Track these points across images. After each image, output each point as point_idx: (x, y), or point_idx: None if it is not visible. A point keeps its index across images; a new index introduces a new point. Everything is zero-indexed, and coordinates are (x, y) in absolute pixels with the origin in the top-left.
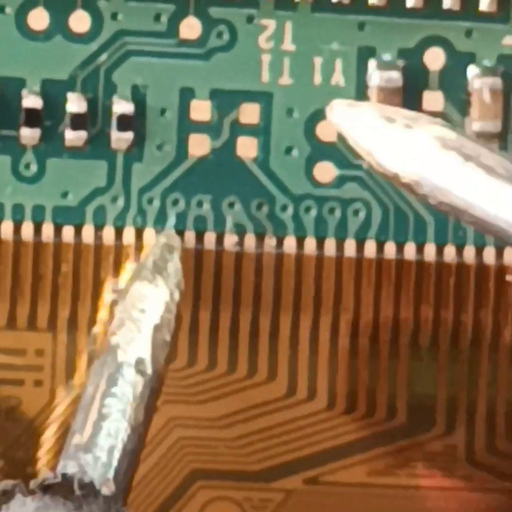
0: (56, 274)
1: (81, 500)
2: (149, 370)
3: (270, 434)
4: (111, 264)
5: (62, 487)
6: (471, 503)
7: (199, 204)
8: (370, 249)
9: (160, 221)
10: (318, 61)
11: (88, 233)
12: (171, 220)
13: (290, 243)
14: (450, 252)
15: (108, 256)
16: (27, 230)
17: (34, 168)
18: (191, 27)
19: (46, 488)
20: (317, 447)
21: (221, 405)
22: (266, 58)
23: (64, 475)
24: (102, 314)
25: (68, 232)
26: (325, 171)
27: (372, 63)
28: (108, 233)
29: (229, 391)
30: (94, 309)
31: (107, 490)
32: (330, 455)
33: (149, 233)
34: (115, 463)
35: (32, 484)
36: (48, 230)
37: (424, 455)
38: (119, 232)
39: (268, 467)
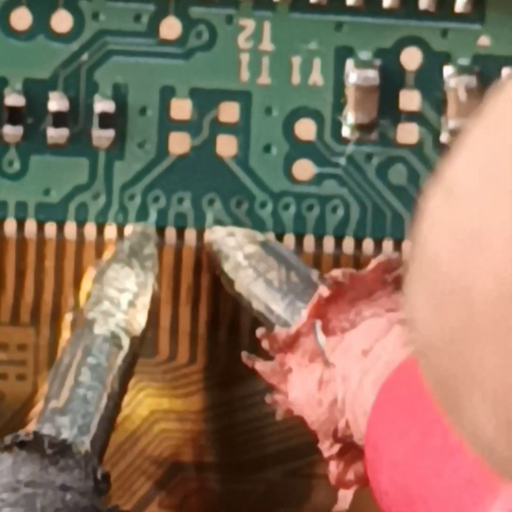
0: (38, 270)
1: (57, 455)
2: (124, 344)
3: (251, 427)
4: (93, 259)
5: (37, 444)
6: None
7: (180, 201)
8: (348, 245)
9: (141, 218)
10: (296, 60)
11: (70, 230)
12: (152, 216)
13: (269, 240)
14: None
15: (90, 252)
16: (10, 226)
17: (17, 165)
18: (171, 27)
19: (21, 445)
20: (297, 440)
21: (203, 398)
22: (245, 58)
23: (36, 433)
24: (85, 287)
25: (50, 229)
26: (304, 168)
27: (349, 63)
28: (90, 230)
29: (210, 385)
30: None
31: (81, 447)
32: (310, 448)
33: (130, 229)
34: (91, 427)
35: (7, 439)
36: (30, 226)
37: None
38: (100, 229)
39: (249, 459)
